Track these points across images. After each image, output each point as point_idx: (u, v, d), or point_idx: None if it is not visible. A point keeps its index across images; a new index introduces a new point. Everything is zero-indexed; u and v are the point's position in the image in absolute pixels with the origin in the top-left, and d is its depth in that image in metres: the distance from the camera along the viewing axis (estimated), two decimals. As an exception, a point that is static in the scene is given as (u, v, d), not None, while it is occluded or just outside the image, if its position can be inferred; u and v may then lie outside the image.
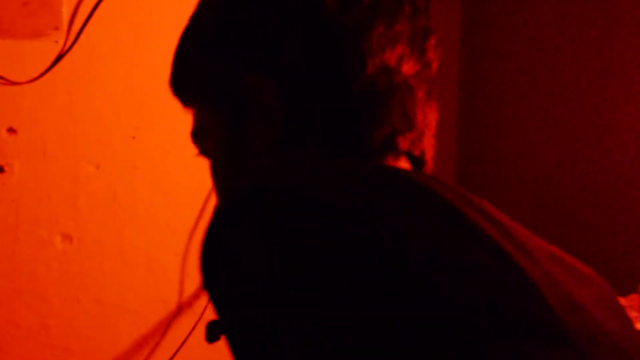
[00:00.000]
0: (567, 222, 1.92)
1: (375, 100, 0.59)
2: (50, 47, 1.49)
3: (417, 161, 0.64)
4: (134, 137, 1.59)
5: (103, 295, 1.61)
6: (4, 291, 1.52)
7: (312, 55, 0.59)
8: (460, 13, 2.14)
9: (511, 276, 0.46)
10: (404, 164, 0.63)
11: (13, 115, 1.49)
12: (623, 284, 1.59)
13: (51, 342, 1.57)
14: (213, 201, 1.63)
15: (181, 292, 1.68)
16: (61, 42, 1.49)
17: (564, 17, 1.91)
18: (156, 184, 1.63)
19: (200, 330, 1.64)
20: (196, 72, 0.66)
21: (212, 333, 0.59)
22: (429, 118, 0.64)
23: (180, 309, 1.69)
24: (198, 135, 0.69)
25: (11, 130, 1.49)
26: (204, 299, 1.68)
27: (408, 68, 0.61)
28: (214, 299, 0.49)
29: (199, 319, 1.65)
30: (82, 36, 1.50)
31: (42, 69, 1.48)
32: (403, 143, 0.61)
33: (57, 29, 1.48)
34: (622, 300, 1.58)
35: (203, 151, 0.69)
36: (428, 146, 0.64)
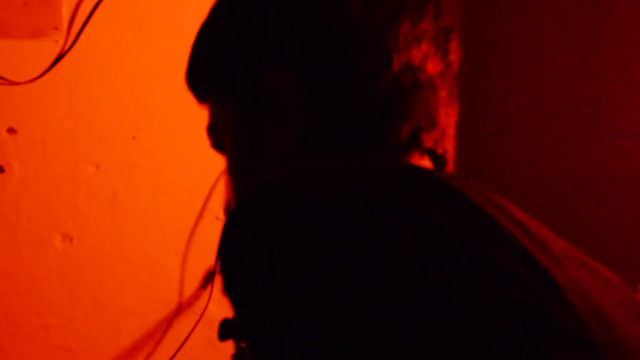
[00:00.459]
0: (567, 221, 1.91)
1: (400, 97, 0.59)
2: (50, 47, 1.49)
3: (440, 160, 0.64)
4: (134, 137, 1.59)
5: (103, 295, 1.61)
6: (4, 291, 1.52)
7: (337, 52, 0.59)
8: (461, 12, 2.14)
9: (536, 279, 0.46)
10: (427, 162, 0.63)
11: (13, 115, 1.49)
12: (623, 284, 1.59)
13: (51, 342, 1.57)
14: (213, 201, 1.63)
15: (181, 292, 1.68)
16: (61, 42, 1.49)
17: (564, 16, 1.91)
18: (156, 184, 1.62)
19: (201, 330, 1.64)
20: (217, 67, 0.66)
21: (225, 332, 0.59)
22: (450, 118, 0.64)
23: (180, 309, 1.68)
24: (214, 130, 0.68)
25: (11, 130, 1.49)
26: (204, 299, 1.68)
27: (432, 67, 0.62)
28: (231, 299, 0.49)
29: (199, 319, 1.64)
30: (82, 36, 1.50)
31: (42, 69, 1.48)
32: (427, 140, 0.61)
33: (57, 29, 1.48)
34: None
35: (217, 145, 0.69)
36: (449, 146, 0.65)
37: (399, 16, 0.60)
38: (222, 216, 1.61)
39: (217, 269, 0.51)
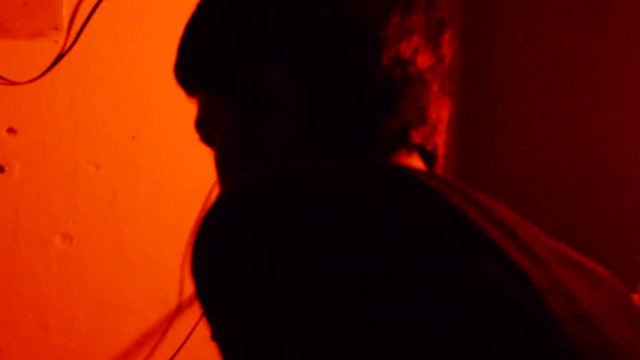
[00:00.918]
0: (567, 221, 1.92)
1: (389, 91, 0.58)
2: (50, 47, 1.49)
3: (429, 156, 0.63)
4: (134, 137, 1.59)
5: (103, 295, 1.61)
6: (4, 291, 1.52)
7: (334, 48, 0.58)
8: (461, 11, 2.14)
9: (513, 283, 0.46)
10: (416, 158, 0.62)
11: (13, 115, 1.49)
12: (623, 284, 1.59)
13: (51, 342, 1.57)
14: (213, 200, 1.63)
15: (181, 292, 1.68)
16: (61, 42, 1.49)
17: (564, 16, 1.91)
18: (156, 184, 1.62)
19: (201, 330, 1.64)
20: (212, 62, 0.64)
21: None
22: (441, 113, 0.62)
23: (180, 308, 1.68)
24: (204, 125, 0.67)
25: (11, 130, 1.49)
26: (204, 299, 1.68)
27: (423, 61, 0.60)
28: (208, 301, 0.48)
29: (199, 319, 1.64)
30: (82, 36, 1.50)
31: (42, 69, 1.48)
32: (416, 137, 0.60)
33: (57, 29, 1.48)
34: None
35: (206, 139, 0.68)
36: (440, 142, 0.63)
37: (388, 9, 0.59)
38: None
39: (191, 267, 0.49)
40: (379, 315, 0.41)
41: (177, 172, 1.62)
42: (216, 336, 0.48)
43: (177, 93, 0.71)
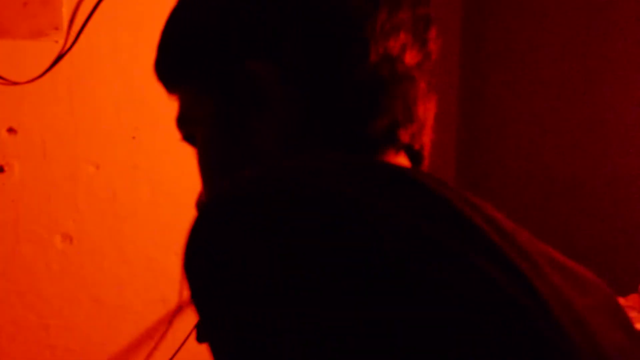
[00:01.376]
0: (567, 221, 1.92)
1: (377, 89, 0.57)
2: (50, 47, 1.49)
3: (416, 155, 0.62)
4: (134, 137, 1.59)
5: (103, 295, 1.61)
6: (4, 291, 1.52)
7: (313, 42, 0.57)
8: (461, 10, 2.14)
9: (517, 287, 0.45)
10: (403, 158, 0.61)
11: (13, 115, 1.49)
12: (623, 284, 1.59)
13: (51, 342, 1.57)
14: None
15: (181, 292, 1.68)
16: (61, 42, 1.49)
17: (564, 16, 1.91)
18: (156, 184, 1.62)
19: (200, 330, 1.64)
20: (188, 56, 0.63)
21: (203, 332, 0.57)
22: (429, 111, 0.61)
23: (181, 308, 1.68)
24: (185, 122, 0.65)
25: (11, 130, 1.49)
26: (204, 299, 1.68)
27: (410, 58, 0.59)
28: (204, 301, 0.47)
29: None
30: (82, 36, 1.50)
31: (42, 69, 1.48)
32: (404, 136, 0.59)
33: (57, 29, 1.48)
34: (622, 301, 1.58)
35: (189, 139, 0.67)
36: (426, 141, 0.63)
37: (375, 5, 0.58)
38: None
39: (185, 267, 0.48)
40: (379, 315, 0.41)
41: (177, 172, 1.62)
42: (208, 337, 0.48)
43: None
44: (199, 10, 0.63)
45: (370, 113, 0.58)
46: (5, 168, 1.50)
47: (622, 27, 1.78)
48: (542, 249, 0.54)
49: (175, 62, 0.65)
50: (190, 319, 1.67)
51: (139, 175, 1.61)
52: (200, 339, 0.58)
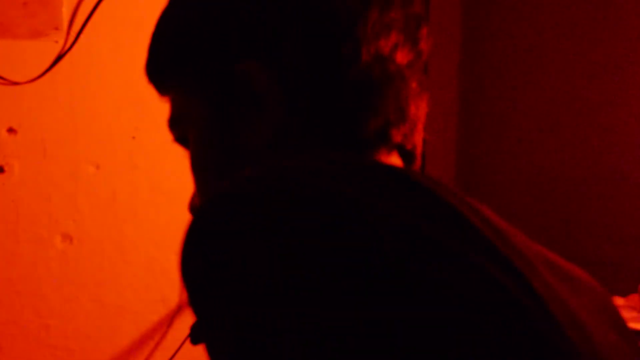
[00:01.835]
0: (567, 221, 1.92)
1: (369, 89, 0.57)
2: (50, 47, 1.49)
3: (408, 155, 0.62)
4: (134, 137, 1.59)
5: (103, 295, 1.61)
6: (4, 291, 1.52)
7: (307, 41, 0.57)
8: (461, 11, 2.14)
9: (514, 284, 0.45)
10: (395, 158, 0.61)
11: (13, 115, 1.49)
12: (623, 284, 1.59)
13: (51, 342, 1.57)
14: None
15: (181, 292, 1.68)
16: (61, 42, 1.49)
17: (564, 16, 1.91)
18: (156, 184, 1.62)
19: (200, 330, 1.64)
20: (180, 57, 0.63)
21: (197, 334, 0.57)
22: (420, 111, 0.61)
23: (181, 308, 1.68)
24: (177, 124, 0.65)
25: (11, 130, 1.49)
26: (204, 299, 1.68)
27: (402, 57, 0.59)
28: (202, 302, 0.47)
29: (195, 320, 1.64)
30: (82, 36, 1.50)
31: (42, 69, 1.48)
32: (396, 136, 0.59)
33: (57, 29, 1.48)
34: (622, 301, 1.58)
35: (180, 139, 0.67)
36: (418, 141, 0.62)
37: (367, 4, 0.58)
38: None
39: (182, 268, 0.47)
40: (379, 315, 0.41)
41: (177, 172, 1.62)
42: (206, 338, 0.48)
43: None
44: (190, 10, 0.63)
45: (363, 113, 0.57)
46: (5, 168, 1.50)
47: (623, 28, 1.78)
48: (537, 250, 0.54)
49: (166, 63, 0.65)
50: (190, 319, 1.67)
51: (139, 175, 1.61)
52: (194, 340, 0.58)
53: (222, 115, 0.60)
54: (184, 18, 0.63)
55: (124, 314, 1.63)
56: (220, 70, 0.59)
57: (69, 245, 1.56)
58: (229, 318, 0.45)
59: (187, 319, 1.67)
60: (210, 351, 0.47)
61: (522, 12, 2.01)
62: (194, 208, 0.68)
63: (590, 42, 1.85)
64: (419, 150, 0.62)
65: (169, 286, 1.67)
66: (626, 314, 1.41)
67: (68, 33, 1.50)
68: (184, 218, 1.75)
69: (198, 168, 0.64)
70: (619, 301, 1.53)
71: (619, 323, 0.56)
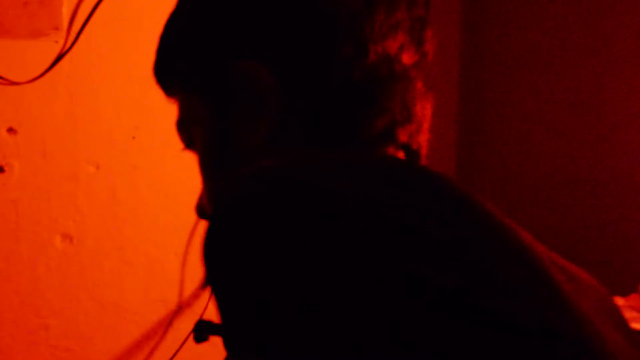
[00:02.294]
0: (567, 221, 1.91)
1: (376, 88, 0.57)
2: (50, 47, 1.49)
3: (414, 155, 0.62)
4: (134, 137, 1.59)
5: (103, 295, 1.61)
6: (4, 291, 1.52)
7: (311, 40, 0.57)
8: (460, 12, 2.14)
9: (539, 285, 0.45)
10: (401, 157, 0.61)
11: (13, 115, 1.49)
12: (623, 284, 1.59)
13: (51, 342, 1.57)
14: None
15: (181, 292, 1.68)
16: (61, 42, 1.49)
17: (565, 16, 1.91)
18: (156, 184, 1.62)
19: (200, 330, 1.64)
20: (184, 58, 0.64)
21: (201, 333, 0.57)
22: (426, 111, 0.62)
23: (180, 309, 1.68)
24: (184, 126, 0.66)
25: (11, 130, 1.49)
26: (204, 299, 1.68)
27: (408, 58, 0.60)
28: (220, 296, 0.47)
29: (199, 319, 1.64)
30: (82, 36, 1.50)
31: (42, 69, 1.48)
32: (402, 135, 0.59)
33: (57, 29, 1.48)
34: (622, 301, 1.58)
35: (189, 144, 0.67)
36: (423, 141, 0.63)
37: (373, 5, 0.58)
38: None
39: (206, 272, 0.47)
40: (391, 317, 0.41)
41: (177, 172, 1.62)
42: (225, 326, 0.48)
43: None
44: (193, 11, 0.64)
45: (369, 112, 0.58)
46: (5, 168, 1.49)
47: (623, 28, 1.78)
48: (543, 251, 0.54)
49: (168, 66, 0.66)
50: (190, 319, 1.67)
51: (139, 175, 1.61)
52: (198, 339, 0.58)
53: (223, 115, 0.61)
54: (187, 19, 0.64)
55: (124, 314, 1.63)
56: (221, 70, 0.60)
57: (69, 245, 1.56)
58: (245, 307, 0.45)
59: (187, 320, 1.67)
60: (229, 341, 0.47)
61: (523, 12, 2.01)
62: (200, 209, 0.69)
63: (591, 42, 1.85)
64: (424, 150, 0.63)
65: (169, 286, 1.67)
66: (626, 314, 1.40)
67: (68, 33, 1.50)
68: (184, 218, 1.76)
69: (203, 167, 0.65)
70: (619, 301, 1.53)
71: (622, 323, 0.56)
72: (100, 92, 1.55)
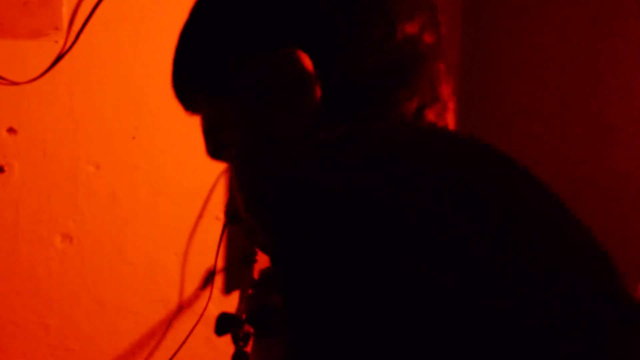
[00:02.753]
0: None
1: (405, 68, 0.58)
2: (50, 47, 1.49)
3: None
4: (134, 137, 1.59)
5: (103, 295, 1.61)
6: (4, 291, 1.52)
7: (343, 21, 0.57)
8: (461, 11, 2.14)
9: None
10: None
11: (13, 115, 1.49)
12: (623, 284, 1.59)
13: (51, 342, 1.57)
14: (213, 201, 1.63)
15: (181, 292, 1.68)
16: (61, 42, 1.49)
17: (564, 17, 1.91)
18: (156, 184, 1.62)
19: (201, 330, 1.64)
20: (209, 65, 0.63)
21: (223, 326, 0.57)
22: (450, 90, 0.63)
23: (180, 309, 1.68)
24: (211, 135, 0.66)
25: (11, 130, 1.49)
26: (204, 299, 1.68)
27: (429, 37, 0.60)
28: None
29: (199, 319, 1.64)
30: (82, 36, 1.50)
31: (42, 69, 1.48)
32: (430, 115, 0.60)
33: (57, 29, 1.48)
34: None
35: (218, 152, 0.66)
36: (450, 120, 0.63)
37: None
38: (222, 216, 1.61)
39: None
40: (397, 315, 0.41)
41: (177, 172, 1.62)
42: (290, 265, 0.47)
43: (177, 93, 0.71)
44: (218, 16, 0.63)
45: (399, 92, 0.58)
46: (5, 168, 1.49)
47: (623, 28, 1.78)
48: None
49: (194, 76, 0.65)
50: (190, 319, 1.67)
51: (139, 175, 1.61)
52: (219, 331, 0.58)
53: (265, 110, 0.60)
54: (208, 26, 0.63)
55: (124, 314, 1.63)
56: (255, 65, 0.59)
57: (69, 245, 1.56)
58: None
59: (187, 320, 1.67)
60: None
61: (523, 11, 2.01)
62: (232, 214, 0.69)
63: (591, 42, 1.84)
64: (451, 129, 0.63)
65: (169, 286, 1.67)
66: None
67: (68, 33, 1.50)
68: (184, 218, 1.76)
69: (242, 169, 0.64)
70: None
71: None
72: (100, 92, 1.55)
